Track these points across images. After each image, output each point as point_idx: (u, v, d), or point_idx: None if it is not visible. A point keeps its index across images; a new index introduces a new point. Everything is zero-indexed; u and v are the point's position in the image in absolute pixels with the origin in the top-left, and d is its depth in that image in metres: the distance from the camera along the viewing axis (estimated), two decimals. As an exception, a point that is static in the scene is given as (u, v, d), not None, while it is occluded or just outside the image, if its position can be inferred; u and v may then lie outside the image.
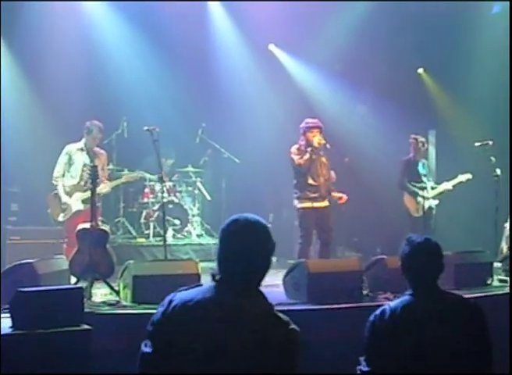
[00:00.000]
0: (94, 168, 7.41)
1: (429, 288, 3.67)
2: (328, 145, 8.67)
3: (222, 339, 2.70)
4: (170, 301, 2.83)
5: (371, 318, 3.63)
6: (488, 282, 7.65)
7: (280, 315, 2.83)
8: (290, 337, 2.79)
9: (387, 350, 3.50)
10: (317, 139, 8.62)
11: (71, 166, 8.91)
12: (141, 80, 12.07)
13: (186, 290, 2.86)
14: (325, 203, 8.76)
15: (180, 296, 2.83)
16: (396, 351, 3.48)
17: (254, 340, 2.71)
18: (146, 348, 2.84)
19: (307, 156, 8.61)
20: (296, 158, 8.70)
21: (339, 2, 12.28)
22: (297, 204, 8.77)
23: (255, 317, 2.76)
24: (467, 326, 3.58)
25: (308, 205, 8.66)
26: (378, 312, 3.63)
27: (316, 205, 8.67)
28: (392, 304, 3.65)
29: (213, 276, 2.87)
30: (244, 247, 2.85)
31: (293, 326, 2.80)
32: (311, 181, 8.66)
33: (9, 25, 10.77)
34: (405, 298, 3.67)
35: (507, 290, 7.26)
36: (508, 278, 7.94)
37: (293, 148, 8.78)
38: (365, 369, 3.57)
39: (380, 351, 3.54)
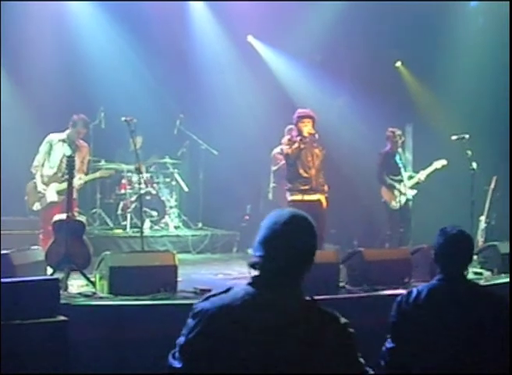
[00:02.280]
0: (70, 158, 7.37)
1: (458, 277, 3.82)
2: (316, 135, 8.46)
3: (274, 343, 2.48)
4: (204, 310, 2.57)
5: (398, 298, 3.81)
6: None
7: (327, 310, 2.62)
8: (346, 333, 2.59)
9: (411, 329, 3.68)
10: (307, 129, 8.43)
11: (50, 155, 8.86)
12: (119, 70, 12.00)
13: (214, 296, 2.61)
14: (317, 196, 8.48)
15: (213, 303, 2.57)
16: (419, 332, 3.66)
17: (308, 342, 2.50)
18: (175, 361, 2.62)
19: (295, 145, 8.43)
20: (285, 148, 8.61)
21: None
22: (288, 197, 8.58)
23: (304, 317, 2.55)
24: (490, 316, 3.68)
25: (299, 197, 8.43)
26: (405, 293, 3.83)
27: (307, 197, 8.42)
28: (420, 287, 3.83)
29: (253, 267, 2.61)
30: (292, 242, 2.60)
31: (343, 320, 2.60)
32: (301, 172, 8.44)
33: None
34: (433, 282, 3.83)
35: (482, 282, 7.32)
36: (483, 271, 8.04)
37: (284, 139, 8.78)
38: (390, 345, 3.75)
39: (404, 330, 3.72)
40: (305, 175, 8.46)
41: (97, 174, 9.58)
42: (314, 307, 2.60)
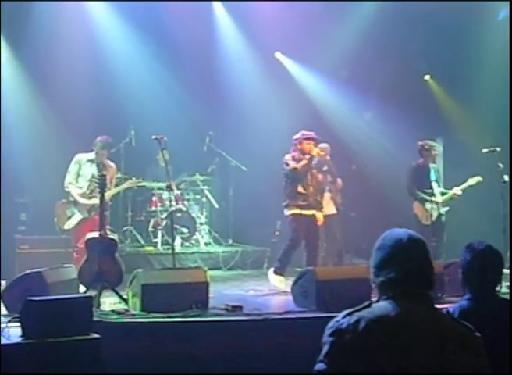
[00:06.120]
0: (102, 177, 7.45)
1: (488, 295, 3.77)
2: (328, 157, 8.98)
3: (431, 356, 2.53)
4: (355, 324, 2.53)
5: None
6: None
7: (464, 323, 2.70)
8: (483, 347, 2.65)
9: None
10: (316, 150, 8.83)
11: (79, 176, 8.95)
12: (149, 88, 12.11)
13: (357, 311, 2.59)
14: (312, 212, 8.83)
15: (363, 317, 2.54)
16: None
17: (457, 353, 2.57)
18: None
19: (304, 162, 8.74)
20: (292, 163, 8.78)
21: (346, 9, 12.33)
22: (286, 211, 8.85)
23: (451, 327, 2.63)
24: None
25: (297, 211, 8.76)
26: None
27: (304, 212, 8.76)
28: (451, 308, 3.73)
29: (388, 283, 2.68)
30: (420, 257, 2.71)
31: (478, 333, 2.68)
32: (300, 189, 8.77)
33: (16, 31, 10.86)
34: (463, 302, 3.75)
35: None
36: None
37: (288, 157, 8.89)
38: None
39: None
40: (304, 192, 8.80)
41: (125, 185, 9.64)
42: (455, 321, 2.71)
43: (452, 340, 2.58)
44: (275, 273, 8.65)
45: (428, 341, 2.54)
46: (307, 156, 8.75)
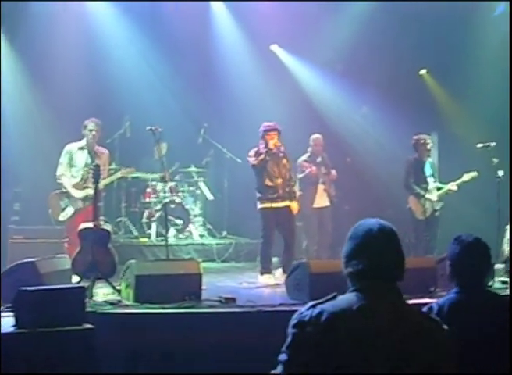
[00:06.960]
0: (96, 167, 7.43)
1: (477, 288, 3.72)
2: (282, 148, 8.92)
3: (394, 348, 2.52)
4: (318, 315, 2.55)
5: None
6: (490, 284, 7.63)
7: (430, 315, 2.73)
8: (449, 339, 2.66)
9: None
10: (273, 141, 8.78)
11: (72, 166, 8.88)
12: (144, 80, 12.10)
13: (321, 303, 2.62)
14: (285, 203, 8.86)
15: (326, 309, 2.57)
16: None
17: (421, 346, 2.56)
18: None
19: (261, 157, 8.77)
20: (251, 159, 8.86)
21: (342, 4, 12.32)
22: (258, 205, 8.90)
23: (414, 321, 2.62)
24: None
25: (267, 205, 8.80)
26: (425, 309, 3.65)
27: (275, 205, 8.79)
28: (440, 301, 3.71)
29: (357, 275, 2.67)
30: (389, 247, 2.70)
31: (445, 326, 2.68)
32: (267, 182, 8.81)
33: (13, 25, 10.83)
34: (451, 296, 3.72)
35: (508, 291, 7.25)
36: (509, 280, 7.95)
37: (251, 151, 8.94)
38: None
39: None
40: (271, 184, 8.83)
41: (118, 174, 9.53)
42: (421, 313, 2.74)
43: (415, 334, 2.56)
44: (261, 273, 8.70)
45: (390, 335, 2.52)
46: (264, 150, 8.78)
